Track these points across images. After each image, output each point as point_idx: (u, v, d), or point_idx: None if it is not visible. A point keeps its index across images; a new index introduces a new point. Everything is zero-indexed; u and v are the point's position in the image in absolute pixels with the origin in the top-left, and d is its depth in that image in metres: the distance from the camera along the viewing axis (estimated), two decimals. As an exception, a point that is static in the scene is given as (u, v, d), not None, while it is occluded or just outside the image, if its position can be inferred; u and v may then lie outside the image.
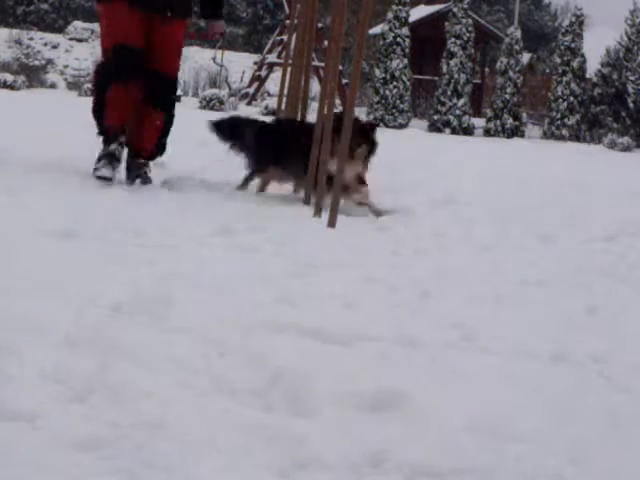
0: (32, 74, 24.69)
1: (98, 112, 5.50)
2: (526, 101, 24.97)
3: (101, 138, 5.52)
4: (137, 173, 5.61)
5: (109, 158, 5.37)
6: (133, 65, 5.38)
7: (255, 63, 29.75)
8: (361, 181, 5.40)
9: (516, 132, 22.68)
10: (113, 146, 5.42)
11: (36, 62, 26.97)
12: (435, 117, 22.86)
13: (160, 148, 5.78)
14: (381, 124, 22.11)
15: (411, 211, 5.31)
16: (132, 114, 5.50)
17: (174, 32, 5.56)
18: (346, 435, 1.98)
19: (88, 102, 5.91)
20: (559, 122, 22.83)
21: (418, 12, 29.10)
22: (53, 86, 25.19)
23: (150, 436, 1.88)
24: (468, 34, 23.04)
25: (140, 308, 2.73)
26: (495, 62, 25.36)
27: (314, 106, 7.65)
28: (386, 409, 2.14)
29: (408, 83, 23.08)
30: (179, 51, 5.68)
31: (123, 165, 5.61)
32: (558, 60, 23.30)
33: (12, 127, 8.68)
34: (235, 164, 5.83)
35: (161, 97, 5.60)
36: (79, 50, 35.47)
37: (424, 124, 23.09)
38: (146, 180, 5.60)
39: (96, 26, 40.83)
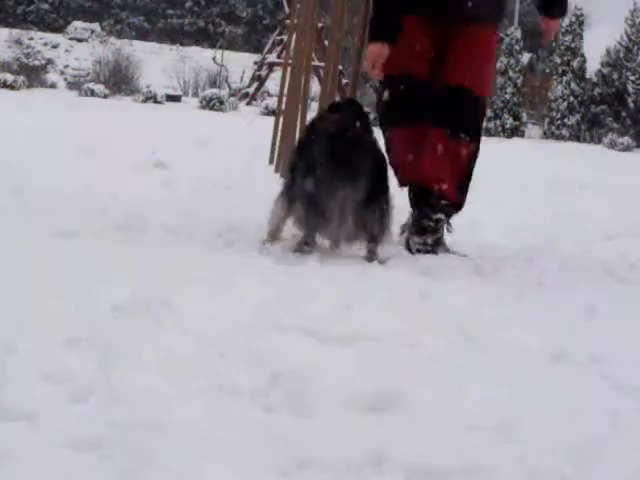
0: (32, 74, 24.72)
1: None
2: (526, 101, 24.98)
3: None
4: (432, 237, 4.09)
5: None
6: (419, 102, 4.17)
7: (255, 63, 29.76)
8: None
9: (516, 132, 22.71)
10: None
11: (36, 62, 27.01)
12: (435, 117, 22.83)
13: (462, 196, 4.23)
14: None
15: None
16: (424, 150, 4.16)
17: (478, 39, 4.21)
18: (346, 435, 1.98)
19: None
20: (559, 122, 22.85)
21: (418, 12, 29.08)
22: (53, 86, 25.23)
23: (150, 436, 1.88)
24: (468, 34, 23.05)
25: (140, 308, 2.73)
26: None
27: (314, 106, 7.66)
28: (386, 409, 2.14)
29: (408, 83, 23.07)
30: (488, 63, 4.33)
31: None
32: (558, 60, 23.33)
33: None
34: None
35: (463, 119, 4.16)
36: (79, 50, 35.52)
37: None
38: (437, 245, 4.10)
39: (96, 26, 40.85)
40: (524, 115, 23.20)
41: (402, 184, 4.22)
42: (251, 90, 26.88)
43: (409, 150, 4.16)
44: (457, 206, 4.22)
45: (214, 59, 32.13)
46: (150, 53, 36.23)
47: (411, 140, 4.16)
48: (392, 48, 4.07)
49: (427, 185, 4.10)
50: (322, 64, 10.12)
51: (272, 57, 26.34)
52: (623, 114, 23.01)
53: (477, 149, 4.24)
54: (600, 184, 8.90)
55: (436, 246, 4.09)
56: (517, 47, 23.04)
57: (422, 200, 4.12)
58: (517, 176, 9.04)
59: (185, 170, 6.66)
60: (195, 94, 27.65)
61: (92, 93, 21.62)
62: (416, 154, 4.14)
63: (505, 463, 1.90)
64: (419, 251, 4.05)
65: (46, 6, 47.67)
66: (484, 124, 4.25)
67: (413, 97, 4.15)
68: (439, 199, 4.09)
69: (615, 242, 4.99)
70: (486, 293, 3.44)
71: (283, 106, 8.03)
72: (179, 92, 26.80)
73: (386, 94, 4.21)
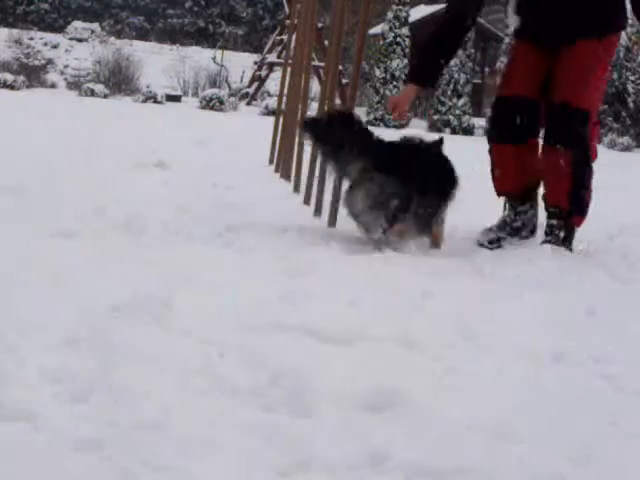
0: (32, 74, 24.71)
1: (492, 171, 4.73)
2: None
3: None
4: (547, 239, 4.55)
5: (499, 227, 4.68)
6: (528, 121, 4.49)
7: (255, 63, 29.77)
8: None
9: (516, 132, 22.67)
10: (505, 213, 4.71)
11: (36, 62, 27.00)
12: (435, 117, 22.89)
13: (575, 202, 4.50)
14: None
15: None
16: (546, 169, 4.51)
17: (579, 54, 4.39)
18: (346, 435, 1.98)
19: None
20: (559, 122, 22.81)
21: (418, 12, 29.14)
22: (53, 86, 25.22)
23: (150, 436, 1.88)
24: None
25: (140, 308, 2.73)
26: (495, 62, 25.35)
27: (314, 106, 7.65)
28: (386, 409, 2.14)
29: (408, 83, 23.08)
30: (588, 76, 4.41)
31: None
32: (558, 60, 23.28)
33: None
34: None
35: (559, 130, 4.39)
36: (79, 50, 35.54)
37: (424, 124, 23.08)
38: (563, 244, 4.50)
39: (96, 26, 40.84)
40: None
41: (499, 194, 4.74)
42: (251, 90, 26.88)
43: (511, 165, 4.56)
44: (570, 212, 4.51)
45: (214, 59, 32.13)
46: (150, 53, 36.24)
47: (515, 156, 4.54)
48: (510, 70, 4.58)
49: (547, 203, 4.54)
50: (322, 64, 10.11)
51: (272, 57, 26.31)
52: (623, 114, 23.00)
53: (581, 157, 4.42)
54: (600, 184, 8.88)
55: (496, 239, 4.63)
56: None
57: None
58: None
59: (185, 170, 6.66)
60: (195, 94, 27.63)
61: (92, 93, 21.62)
62: (521, 169, 4.57)
63: (505, 463, 1.90)
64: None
65: (46, 6, 47.69)
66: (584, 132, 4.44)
67: (522, 116, 4.47)
68: (551, 207, 4.53)
69: (615, 242, 4.99)
70: (486, 293, 3.44)
71: (283, 106, 8.03)
72: (179, 92, 26.77)
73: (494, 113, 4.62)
